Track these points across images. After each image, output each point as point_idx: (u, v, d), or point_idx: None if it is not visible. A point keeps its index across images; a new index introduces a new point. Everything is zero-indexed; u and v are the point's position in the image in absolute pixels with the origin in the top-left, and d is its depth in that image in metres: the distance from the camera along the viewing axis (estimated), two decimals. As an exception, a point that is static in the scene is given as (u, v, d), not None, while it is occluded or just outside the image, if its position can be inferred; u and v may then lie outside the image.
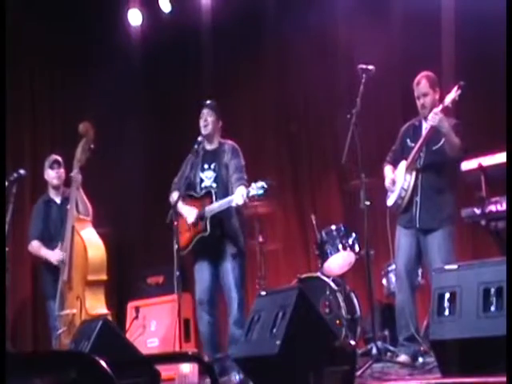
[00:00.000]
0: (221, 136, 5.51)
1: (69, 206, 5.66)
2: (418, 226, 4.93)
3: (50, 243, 5.79)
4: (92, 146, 5.70)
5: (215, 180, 5.32)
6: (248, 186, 5.05)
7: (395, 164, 5.14)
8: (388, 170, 5.20)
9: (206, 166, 5.38)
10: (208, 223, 5.13)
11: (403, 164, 5.02)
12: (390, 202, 5.09)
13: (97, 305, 5.48)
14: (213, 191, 5.24)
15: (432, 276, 4.10)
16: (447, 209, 4.93)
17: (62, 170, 5.93)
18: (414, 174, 4.96)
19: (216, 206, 5.14)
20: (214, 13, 7.70)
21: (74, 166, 5.68)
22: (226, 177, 5.30)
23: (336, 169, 7.21)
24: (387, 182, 5.11)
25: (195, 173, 5.38)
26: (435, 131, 4.82)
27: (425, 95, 4.96)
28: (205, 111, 5.36)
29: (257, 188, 4.85)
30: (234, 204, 4.99)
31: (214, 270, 5.25)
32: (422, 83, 4.96)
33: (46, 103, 7.88)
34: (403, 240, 5.02)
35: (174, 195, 5.34)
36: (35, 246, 5.85)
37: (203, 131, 5.32)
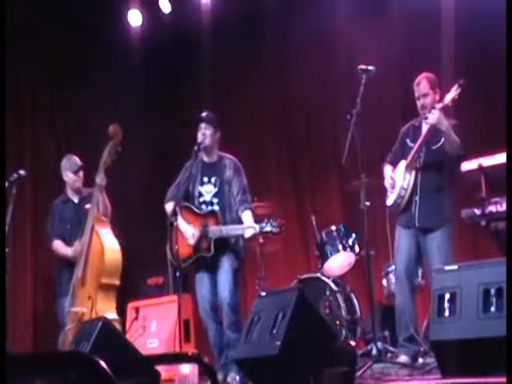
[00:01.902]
0: (220, 144, 5.43)
1: (88, 206, 5.67)
2: (417, 225, 4.93)
3: (67, 242, 5.82)
4: (120, 148, 5.69)
5: (216, 195, 5.26)
6: (252, 209, 5.19)
7: (395, 164, 5.15)
8: (387, 169, 5.20)
9: (205, 180, 5.31)
10: (212, 245, 5.09)
11: (403, 163, 5.02)
12: (389, 201, 5.09)
13: (107, 308, 5.47)
14: (217, 211, 5.17)
15: (432, 277, 4.09)
16: (447, 209, 4.93)
17: (82, 173, 5.94)
18: (413, 173, 4.95)
19: (224, 231, 5.09)
20: (214, 13, 7.71)
21: (99, 168, 5.67)
22: (228, 194, 5.24)
23: (336, 169, 7.22)
24: (387, 181, 5.11)
25: (194, 185, 5.32)
26: (435, 130, 4.82)
27: (425, 96, 4.95)
28: (202, 125, 5.27)
29: (270, 226, 4.90)
30: (245, 236, 4.99)
31: (213, 280, 5.23)
32: (422, 84, 4.96)
33: (47, 103, 7.88)
34: (403, 240, 5.02)
35: (170, 206, 5.24)
36: (56, 245, 5.86)
37: (202, 144, 5.22)
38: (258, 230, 4.91)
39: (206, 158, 5.37)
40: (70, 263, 5.69)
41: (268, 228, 4.89)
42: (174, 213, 5.09)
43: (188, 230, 5.21)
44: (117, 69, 7.59)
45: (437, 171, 4.94)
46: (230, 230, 5.09)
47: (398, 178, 5.01)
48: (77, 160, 5.95)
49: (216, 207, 5.24)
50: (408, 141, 5.11)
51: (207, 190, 5.30)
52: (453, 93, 4.72)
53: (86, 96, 7.70)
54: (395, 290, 5.27)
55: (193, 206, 5.28)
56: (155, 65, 8.15)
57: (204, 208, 5.27)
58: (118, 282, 5.59)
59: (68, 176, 5.94)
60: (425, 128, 4.97)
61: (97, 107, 7.47)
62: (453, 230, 4.94)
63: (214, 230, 5.10)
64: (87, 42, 7.79)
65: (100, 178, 5.64)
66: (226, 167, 5.31)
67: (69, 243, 5.79)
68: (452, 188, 5.00)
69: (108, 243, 5.58)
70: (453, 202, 4.97)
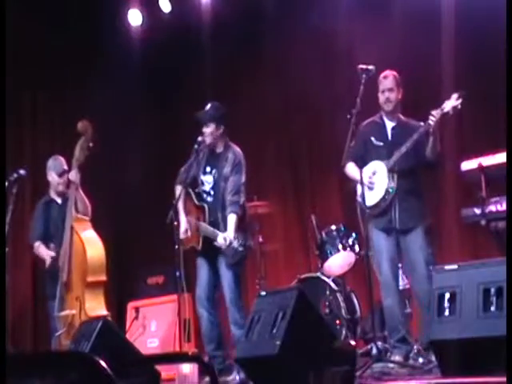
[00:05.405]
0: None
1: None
2: (398, 227, 4.93)
3: (50, 243, 5.79)
4: (91, 144, 5.64)
5: (213, 187, 5.32)
6: (238, 213, 5.17)
7: (357, 161, 5.07)
8: (352, 167, 5.13)
9: (207, 169, 5.36)
10: (201, 240, 5.22)
11: (379, 164, 4.98)
12: (370, 202, 4.98)
13: (96, 306, 5.47)
14: (206, 209, 5.27)
15: (432, 276, 4.09)
16: (423, 207, 5.00)
17: (66, 176, 5.82)
18: (395, 176, 4.94)
19: (207, 231, 5.20)
20: (214, 13, 7.70)
21: (72, 165, 5.64)
22: (223, 189, 5.26)
23: (336, 169, 7.19)
24: (365, 181, 4.97)
25: (198, 171, 5.40)
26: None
27: (390, 90, 5.04)
28: (203, 124, 5.30)
29: (238, 244, 5.04)
30: (215, 243, 5.08)
31: (213, 269, 5.27)
32: (389, 78, 5.05)
33: (46, 103, 7.88)
34: (383, 243, 5.00)
35: (177, 189, 5.34)
36: (37, 248, 5.84)
37: (202, 143, 5.28)
38: (227, 243, 5.02)
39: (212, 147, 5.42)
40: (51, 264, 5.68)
41: (235, 245, 5.02)
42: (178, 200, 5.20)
43: (183, 225, 5.30)
44: (117, 69, 7.58)
45: (410, 171, 4.97)
46: (209, 232, 5.18)
47: (381, 180, 4.96)
48: (63, 162, 5.88)
49: (209, 199, 5.32)
50: (373, 139, 5.10)
51: (208, 181, 5.37)
52: (453, 101, 4.68)
53: (86, 96, 7.69)
54: (382, 294, 5.19)
55: (193, 196, 5.37)
56: (155, 64, 8.14)
57: (204, 197, 5.36)
58: (104, 278, 5.58)
59: (52, 177, 5.88)
60: (391, 126, 5.05)
61: (97, 107, 7.46)
62: (429, 227, 4.98)
63: (202, 226, 5.24)
64: (87, 42, 7.79)
65: (72, 175, 5.60)
66: (227, 162, 5.30)
67: (50, 244, 5.76)
68: (423, 186, 5.07)
69: (88, 240, 5.57)
70: (425, 199, 5.05)
